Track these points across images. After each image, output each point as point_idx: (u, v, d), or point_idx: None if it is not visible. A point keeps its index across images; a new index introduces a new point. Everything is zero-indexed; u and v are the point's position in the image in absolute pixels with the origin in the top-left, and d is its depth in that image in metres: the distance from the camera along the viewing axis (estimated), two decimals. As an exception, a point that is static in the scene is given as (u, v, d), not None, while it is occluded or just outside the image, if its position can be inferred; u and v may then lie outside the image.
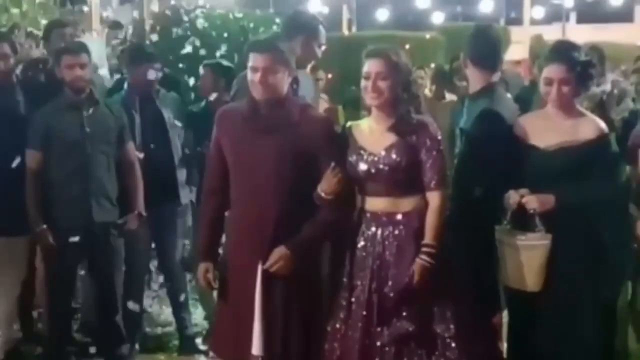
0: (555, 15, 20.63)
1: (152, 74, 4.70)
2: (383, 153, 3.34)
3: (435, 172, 3.33)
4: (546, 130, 3.52)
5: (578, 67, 3.44)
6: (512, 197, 3.45)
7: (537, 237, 3.42)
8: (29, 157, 4.24)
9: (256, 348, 3.33)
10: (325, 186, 3.30)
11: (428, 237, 3.31)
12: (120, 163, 4.43)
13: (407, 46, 8.93)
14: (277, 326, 3.35)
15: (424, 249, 3.30)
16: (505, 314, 3.81)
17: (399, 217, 3.37)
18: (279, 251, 3.31)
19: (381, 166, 3.33)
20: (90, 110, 4.31)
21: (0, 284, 4.41)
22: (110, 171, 4.37)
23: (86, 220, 4.26)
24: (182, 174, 4.88)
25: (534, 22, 15.95)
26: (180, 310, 4.93)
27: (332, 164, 3.30)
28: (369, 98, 3.36)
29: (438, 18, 20.77)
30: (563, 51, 3.53)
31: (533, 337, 3.50)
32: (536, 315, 3.48)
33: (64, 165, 4.24)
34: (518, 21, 15.35)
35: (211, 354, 4.15)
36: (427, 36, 9.18)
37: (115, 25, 7.64)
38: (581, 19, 20.69)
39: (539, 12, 19.78)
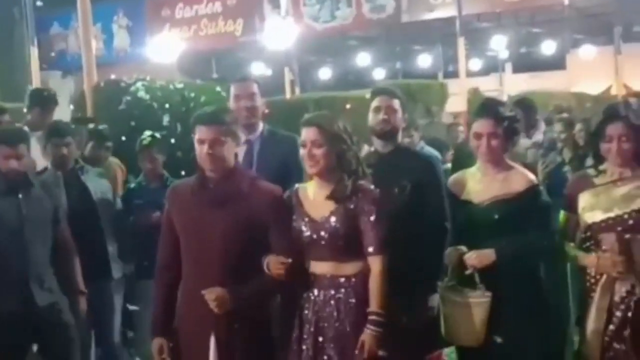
0: (492, 67, 21.29)
1: (63, 150, 4.71)
2: (323, 220, 3.38)
3: (374, 238, 3.35)
4: (479, 185, 3.65)
5: (505, 122, 3.59)
6: (451, 254, 3.55)
7: (477, 295, 3.50)
8: None
9: None
10: (271, 268, 3.34)
11: (373, 305, 3.31)
12: (56, 243, 4.33)
13: (348, 106, 9.17)
14: None
15: (371, 318, 3.30)
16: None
17: (342, 280, 3.39)
18: (218, 290, 3.30)
19: (322, 233, 3.38)
20: (26, 194, 4.22)
21: None
22: (48, 253, 4.27)
23: (29, 305, 4.14)
24: (113, 248, 4.86)
25: (471, 74, 16.44)
26: None
27: (276, 257, 3.32)
28: (307, 166, 3.42)
29: (379, 75, 21.20)
30: (490, 107, 3.70)
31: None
32: None
33: (2, 250, 4.13)
34: (456, 74, 15.81)
35: None
36: (367, 95, 9.39)
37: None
38: (517, 69, 21.32)
39: (476, 64, 20.36)
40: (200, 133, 3.41)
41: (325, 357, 3.34)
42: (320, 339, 3.36)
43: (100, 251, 4.69)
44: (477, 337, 3.50)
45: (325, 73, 22.17)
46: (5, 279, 4.13)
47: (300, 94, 15.31)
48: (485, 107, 3.72)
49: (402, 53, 20.98)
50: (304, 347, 3.38)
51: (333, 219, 3.37)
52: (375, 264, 3.36)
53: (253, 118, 4.19)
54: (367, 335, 3.28)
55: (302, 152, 3.42)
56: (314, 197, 3.46)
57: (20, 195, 4.20)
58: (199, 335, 3.35)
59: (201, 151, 3.40)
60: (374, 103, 4.02)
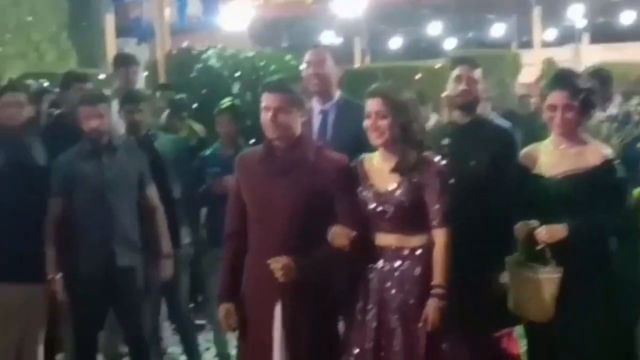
0: (568, 37, 20.70)
1: (136, 116, 4.83)
2: (388, 192, 3.38)
3: (438, 211, 3.35)
4: (551, 159, 3.58)
5: (580, 94, 3.50)
6: (521, 228, 3.49)
7: (548, 271, 3.45)
8: (51, 204, 4.30)
9: None
10: (335, 239, 3.35)
11: (436, 278, 3.32)
12: (142, 206, 4.45)
13: (418, 75, 9.08)
14: None
15: (434, 291, 3.31)
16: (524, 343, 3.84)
17: (406, 252, 3.40)
18: (283, 259, 3.33)
19: (387, 205, 3.38)
20: (110, 157, 4.36)
21: (14, 333, 4.36)
22: (133, 216, 4.40)
23: (110, 267, 4.28)
24: (183, 215, 4.96)
25: (545, 44, 16.06)
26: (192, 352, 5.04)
27: (341, 228, 3.34)
28: (372, 138, 3.42)
29: (450, 44, 20.88)
30: (565, 78, 3.61)
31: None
32: (554, 345, 3.49)
33: (86, 212, 4.29)
34: (529, 44, 15.44)
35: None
36: (437, 66, 9.30)
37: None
38: (594, 39, 20.71)
39: (551, 34, 19.85)
40: (265, 100, 3.44)
41: (389, 329, 3.36)
42: (384, 310, 3.38)
43: (171, 218, 4.74)
44: (547, 313, 3.45)
45: (395, 42, 21.95)
46: (89, 240, 4.28)
47: (369, 64, 15.22)
48: (560, 78, 3.63)
49: (475, 22, 20.62)
50: (367, 317, 3.40)
51: (398, 191, 3.37)
52: (440, 236, 3.36)
53: (324, 86, 4.16)
54: (430, 308, 3.29)
55: (366, 123, 3.41)
56: (379, 168, 3.45)
57: (104, 157, 4.34)
58: (264, 303, 3.40)
59: (265, 118, 3.43)
60: (455, 73, 3.94)
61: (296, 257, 3.32)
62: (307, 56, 4.21)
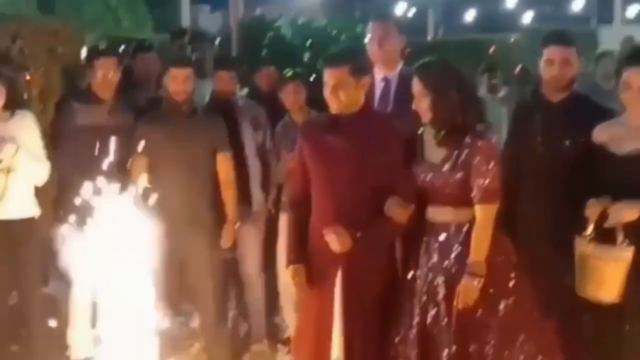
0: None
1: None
2: (437, 165, 3.37)
3: (481, 187, 3.29)
4: (625, 137, 3.48)
5: None
6: (594, 205, 3.41)
7: (619, 250, 3.37)
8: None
9: (336, 350, 3.43)
10: (393, 213, 3.36)
11: (472, 255, 3.29)
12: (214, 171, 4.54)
13: (491, 49, 8.94)
14: (356, 329, 3.43)
15: (467, 269, 3.28)
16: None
17: (454, 227, 3.38)
18: (338, 229, 3.36)
19: (435, 178, 3.36)
20: (189, 119, 4.46)
21: None
22: (207, 179, 4.48)
23: None
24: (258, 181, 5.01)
25: (627, 21, 15.52)
26: None
27: (399, 201, 3.35)
28: (420, 115, 3.41)
29: (527, 18, 20.43)
30: None
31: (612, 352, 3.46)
32: (621, 329, 3.42)
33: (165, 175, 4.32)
34: (610, 20, 14.98)
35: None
36: (511, 39, 9.14)
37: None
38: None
39: (634, 10, 19.22)
40: (325, 75, 3.44)
41: (436, 301, 3.36)
42: (433, 282, 3.38)
43: (244, 182, 4.80)
44: (615, 293, 3.38)
45: (470, 15, 21.60)
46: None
47: (441, 36, 15.02)
48: (637, 55, 3.52)
49: (553, -4, 20.11)
50: (416, 289, 3.42)
51: (445, 165, 3.34)
52: (479, 213, 3.32)
53: (386, 58, 4.13)
54: (461, 285, 3.28)
55: (414, 102, 3.40)
56: (430, 141, 3.44)
57: (183, 120, 4.42)
58: (326, 268, 3.45)
59: (326, 93, 3.45)
60: (547, 54, 3.73)
61: (352, 227, 3.35)
62: (371, 28, 4.20)
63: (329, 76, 3.43)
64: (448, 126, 3.32)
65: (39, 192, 4.33)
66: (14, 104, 4.21)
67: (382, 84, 4.12)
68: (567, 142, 3.66)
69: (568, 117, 3.70)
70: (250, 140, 4.96)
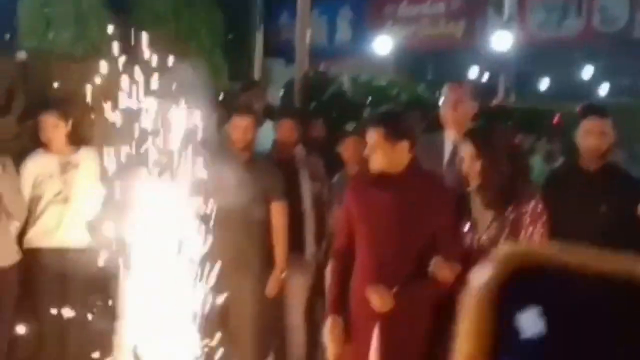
0: None
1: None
2: (485, 226, 3.41)
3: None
4: None
5: None
6: None
7: None
8: None
9: None
10: (440, 273, 3.38)
11: None
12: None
13: (556, 118, 8.87)
14: None
15: None
16: None
17: None
18: (381, 290, 3.40)
19: (483, 239, 3.42)
20: (248, 167, 4.64)
21: None
22: (259, 229, 4.64)
23: None
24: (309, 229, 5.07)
25: None
26: None
27: (447, 262, 3.38)
28: (470, 179, 3.50)
29: (603, 90, 20.18)
30: None
31: None
32: None
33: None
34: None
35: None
36: (577, 109, 9.08)
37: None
38: None
39: None
40: (367, 134, 3.58)
41: None
42: None
43: (299, 231, 4.92)
44: None
45: (544, 84, 21.45)
46: None
47: (505, 102, 14.95)
48: None
49: (631, 69, 19.80)
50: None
51: (492, 226, 3.39)
52: None
53: (457, 121, 4.23)
54: None
55: (464, 163, 3.51)
56: (479, 203, 3.49)
57: (242, 166, 4.58)
58: (365, 321, 3.50)
59: (368, 152, 3.57)
60: (585, 126, 3.92)
61: (393, 285, 3.34)
62: (445, 91, 4.28)
63: (368, 136, 3.51)
64: (496, 189, 3.35)
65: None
66: (77, 139, 4.41)
67: (451, 147, 4.20)
68: (602, 210, 3.73)
69: (603, 187, 3.82)
70: (307, 190, 5.04)
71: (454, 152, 4.19)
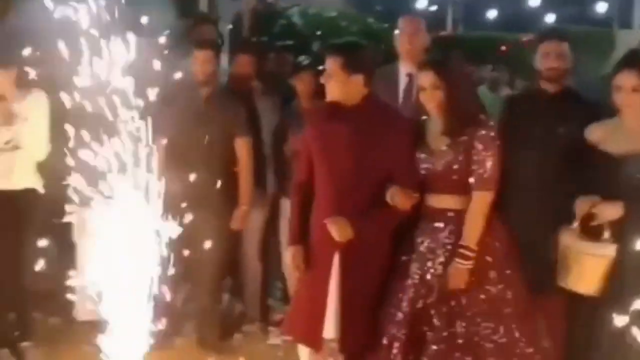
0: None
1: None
2: (438, 153, 3.47)
3: (479, 174, 3.41)
4: (617, 137, 3.54)
5: None
6: (583, 202, 3.48)
7: (603, 246, 3.44)
8: None
9: (328, 331, 3.54)
10: (397, 201, 3.43)
11: (464, 239, 3.41)
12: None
13: (503, 47, 8.93)
14: (351, 312, 3.52)
15: (459, 251, 3.40)
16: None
17: (451, 214, 3.49)
18: (339, 220, 3.44)
19: (438, 166, 3.47)
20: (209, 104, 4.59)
21: None
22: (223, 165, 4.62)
23: None
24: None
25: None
26: None
27: (403, 190, 3.42)
28: (427, 106, 3.51)
29: (550, 19, 20.30)
30: (634, 59, 3.56)
31: (588, 343, 3.51)
32: (595, 323, 3.47)
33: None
34: (630, 25, 14.97)
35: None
36: (524, 38, 9.18)
37: None
38: None
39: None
40: (326, 63, 3.53)
41: (429, 284, 3.46)
42: (427, 266, 3.49)
43: (259, 167, 4.92)
44: (595, 287, 3.45)
45: (492, 13, 21.49)
46: None
47: (455, 32, 15.01)
48: (629, 58, 3.59)
49: (578, -3, 19.94)
50: (410, 272, 3.51)
51: (447, 153, 3.45)
52: (476, 199, 3.43)
53: (414, 53, 4.26)
54: (453, 268, 3.39)
55: (421, 93, 3.51)
56: (434, 130, 3.54)
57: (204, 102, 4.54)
58: (324, 251, 3.55)
59: (324, 81, 3.54)
60: (543, 48, 4.01)
61: (352, 215, 3.43)
62: (401, 24, 4.32)
63: (327, 64, 3.51)
64: (456, 116, 3.43)
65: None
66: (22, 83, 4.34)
67: (407, 79, 4.23)
68: (560, 132, 3.82)
69: (561, 109, 3.90)
70: (266, 125, 5.04)
71: (410, 83, 4.23)
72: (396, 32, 4.37)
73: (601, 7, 19.20)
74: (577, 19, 19.84)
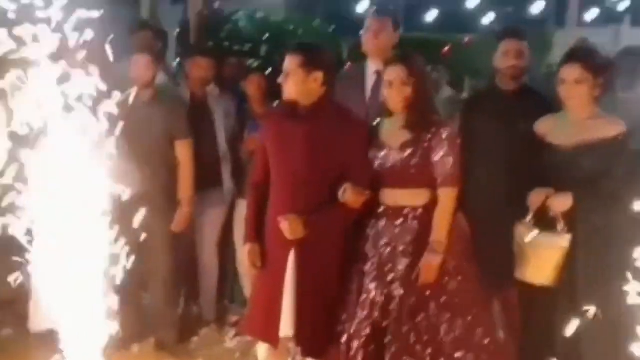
0: (610, 18, 20.28)
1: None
2: (397, 148, 3.53)
3: (445, 172, 3.49)
4: (563, 129, 3.63)
5: (593, 69, 3.54)
6: (537, 195, 3.57)
7: (557, 238, 3.52)
8: None
9: (285, 329, 3.57)
10: (349, 198, 3.48)
11: (434, 234, 3.47)
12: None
13: (446, 49, 9.06)
14: (306, 308, 3.56)
15: (430, 246, 3.46)
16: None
17: (407, 211, 3.55)
18: (292, 218, 3.49)
19: (395, 161, 3.52)
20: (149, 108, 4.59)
21: None
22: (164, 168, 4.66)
23: None
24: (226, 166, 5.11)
25: (584, 24, 15.86)
26: None
27: (355, 187, 3.48)
28: (393, 102, 3.57)
29: (489, 19, 20.65)
30: (578, 53, 3.68)
31: (545, 333, 3.57)
32: (551, 313, 3.55)
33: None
34: (565, 23, 15.40)
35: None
36: (465, 39, 9.35)
37: None
38: (636, 22, 20.31)
39: (592, 14, 19.52)
40: (285, 62, 3.56)
41: (387, 281, 3.51)
42: (384, 262, 3.54)
43: (216, 169, 4.99)
44: (552, 277, 3.53)
45: (431, 15, 21.77)
46: None
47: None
48: (573, 52, 3.69)
49: (515, -2, 20.33)
50: (367, 269, 3.57)
51: (406, 148, 3.51)
52: (442, 196, 3.50)
53: (381, 51, 4.27)
54: (424, 262, 3.44)
55: (388, 89, 3.56)
56: (392, 127, 3.60)
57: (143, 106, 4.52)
58: (280, 249, 3.58)
59: (281, 80, 3.57)
60: (503, 47, 4.11)
61: (306, 214, 3.47)
62: (368, 22, 4.38)
63: (286, 63, 3.55)
64: (420, 112, 3.51)
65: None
66: None
67: (375, 77, 4.26)
68: (520, 129, 3.87)
69: (521, 106, 4.00)
70: (222, 128, 5.07)
71: (378, 81, 4.23)
72: (361, 32, 4.42)
73: (539, 7, 19.62)
74: (514, 19, 20.27)
